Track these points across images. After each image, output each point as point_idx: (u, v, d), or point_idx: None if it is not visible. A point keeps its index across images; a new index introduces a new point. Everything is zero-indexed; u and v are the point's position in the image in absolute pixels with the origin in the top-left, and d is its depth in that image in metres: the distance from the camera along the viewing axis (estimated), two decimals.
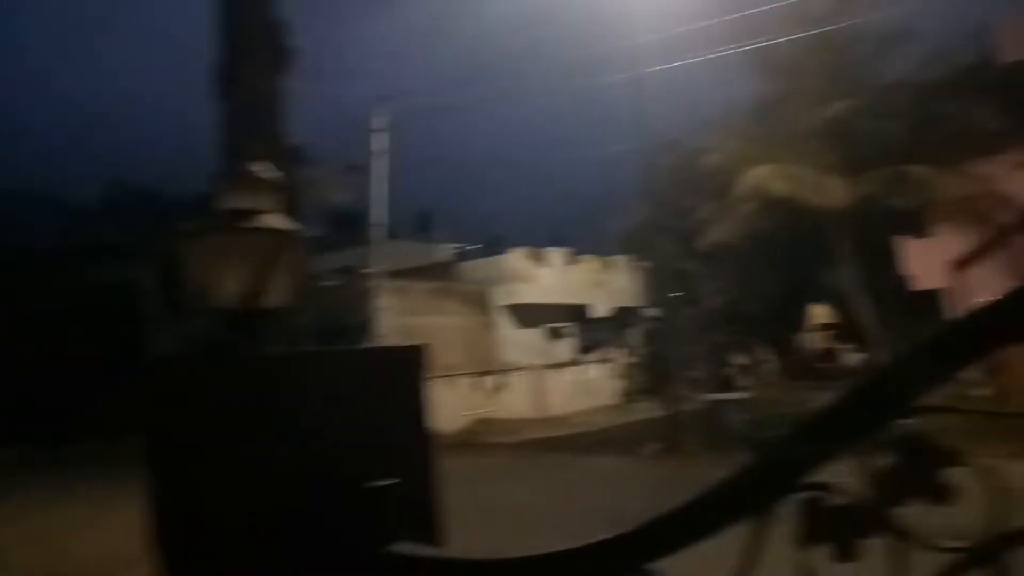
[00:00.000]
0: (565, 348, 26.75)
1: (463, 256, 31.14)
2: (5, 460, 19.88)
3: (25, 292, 29.09)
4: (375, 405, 2.02)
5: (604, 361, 25.87)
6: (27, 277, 29.47)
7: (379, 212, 22.29)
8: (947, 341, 1.08)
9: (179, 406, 1.97)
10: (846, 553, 1.10)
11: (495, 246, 32.41)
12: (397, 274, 23.86)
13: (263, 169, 1.99)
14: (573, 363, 25.54)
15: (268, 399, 1.87)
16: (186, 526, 1.92)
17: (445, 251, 31.96)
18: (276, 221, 1.97)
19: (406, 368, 2.12)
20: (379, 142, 21.66)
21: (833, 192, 16.67)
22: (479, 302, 25.33)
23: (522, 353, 24.47)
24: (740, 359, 21.92)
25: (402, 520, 1.79)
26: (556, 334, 26.87)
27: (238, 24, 3.52)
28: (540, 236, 34.04)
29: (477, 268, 27.71)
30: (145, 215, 32.31)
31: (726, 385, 18.62)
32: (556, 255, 28.11)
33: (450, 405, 19.46)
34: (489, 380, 22.66)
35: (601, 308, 28.04)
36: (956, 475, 1.06)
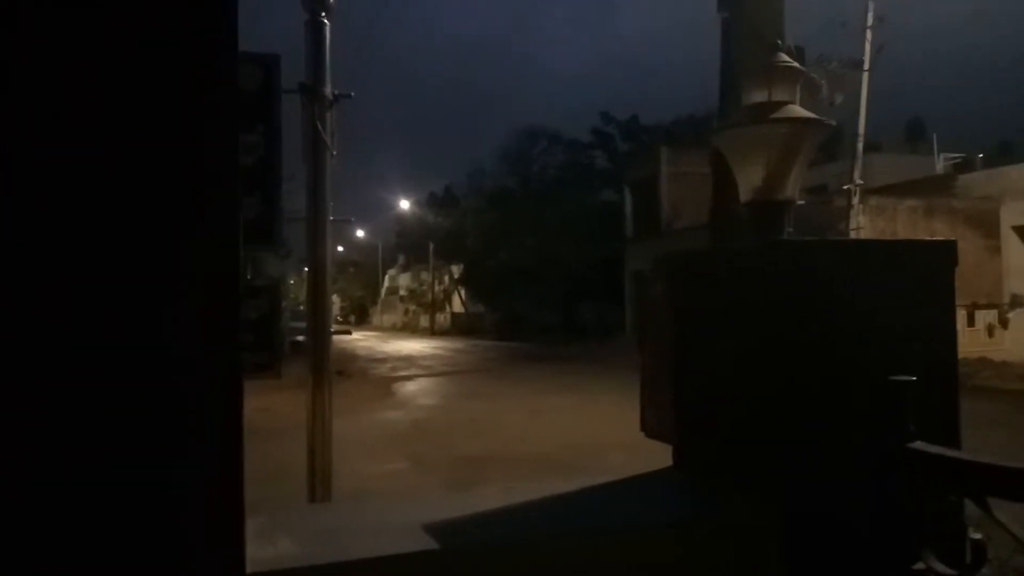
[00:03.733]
0: None
1: (962, 168, 26.70)
2: (515, 350, 26.59)
3: (533, 214, 34.58)
4: (894, 299, 1.93)
5: None
6: (537, 202, 35.12)
7: (860, 122, 20.27)
8: None
9: (693, 293, 2.17)
10: None
11: (1004, 154, 27.03)
12: (878, 191, 21.67)
13: (788, 60, 2.01)
14: None
15: (782, 287, 1.92)
16: (705, 401, 2.14)
17: (938, 163, 27.83)
18: (800, 111, 1.98)
19: (930, 265, 1.99)
20: (862, 41, 19.49)
21: None
22: (981, 222, 21.57)
23: None
24: None
25: (920, 420, 1.70)
26: None
27: None
28: None
29: (979, 182, 23.51)
30: (628, 143, 35.30)
31: None
32: None
33: None
34: (990, 315, 19.39)
35: None
36: None
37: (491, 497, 2.15)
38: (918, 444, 1.63)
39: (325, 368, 3.76)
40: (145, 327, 1.20)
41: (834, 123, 2.11)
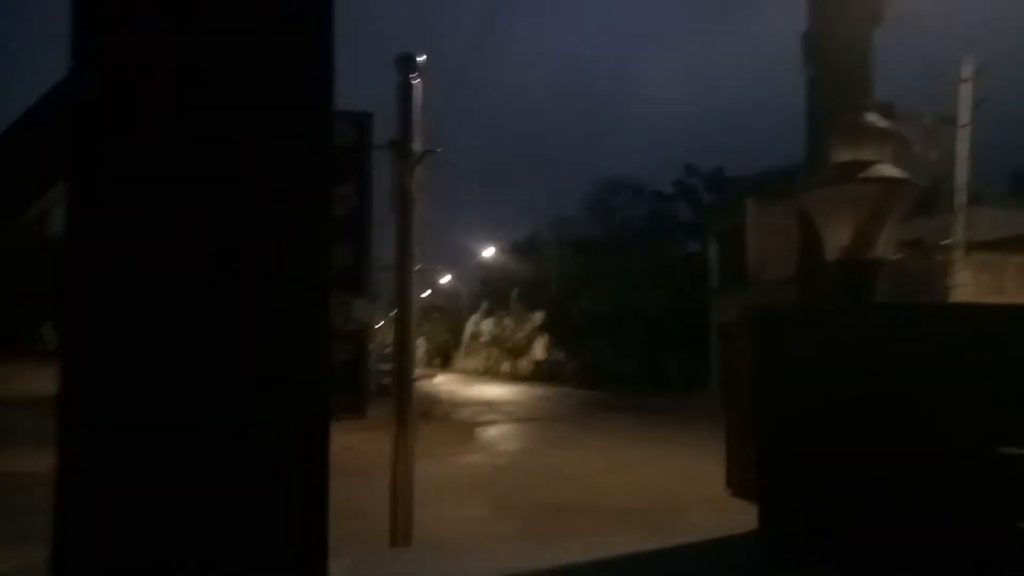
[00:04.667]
0: None
1: None
2: (596, 398, 26.20)
3: (615, 263, 34.51)
4: (1001, 367, 1.85)
5: None
6: (620, 252, 35.12)
7: (959, 176, 19.36)
8: None
9: (779, 352, 2.14)
10: None
11: None
12: (982, 246, 20.51)
13: (877, 119, 1.99)
14: None
15: (873, 352, 1.87)
16: (791, 461, 2.08)
17: None
18: (890, 171, 1.95)
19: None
20: (965, 94, 18.74)
21: None
22: None
23: None
24: None
25: None
26: None
27: None
28: None
29: None
30: (712, 194, 34.94)
31: None
32: None
33: None
34: None
35: None
36: None
37: (570, 550, 2.15)
38: None
39: (408, 411, 3.85)
40: (233, 370, 1.29)
41: (921, 186, 2.07)
